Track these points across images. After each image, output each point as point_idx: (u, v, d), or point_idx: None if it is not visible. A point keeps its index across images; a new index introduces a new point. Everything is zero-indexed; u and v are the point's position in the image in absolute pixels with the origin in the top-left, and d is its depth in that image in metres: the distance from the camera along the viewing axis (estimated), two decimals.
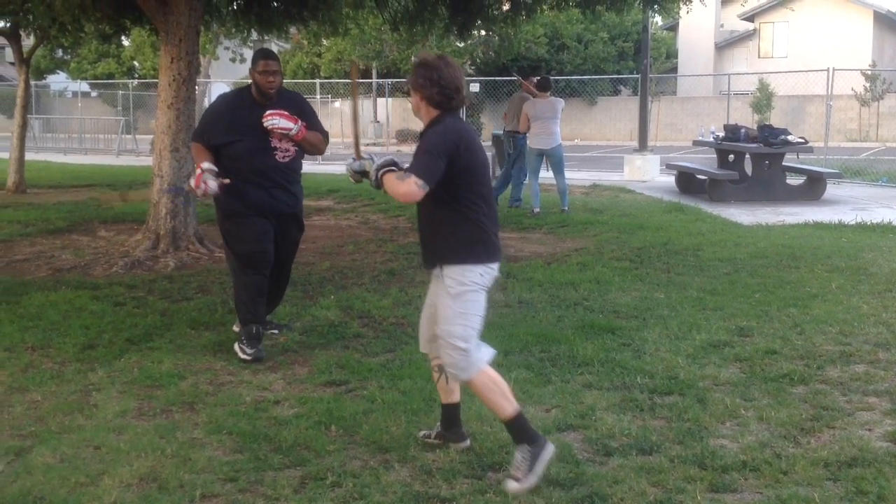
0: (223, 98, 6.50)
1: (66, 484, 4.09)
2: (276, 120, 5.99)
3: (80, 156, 28.56)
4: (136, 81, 37.35)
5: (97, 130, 31.93)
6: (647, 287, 8.10)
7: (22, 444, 4.57)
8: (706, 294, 7.76)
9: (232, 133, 6.05)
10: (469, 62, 38.76)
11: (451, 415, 4.51)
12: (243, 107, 6.15)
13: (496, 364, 5.72)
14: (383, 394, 5.21)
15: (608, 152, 29.27)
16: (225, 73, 30.12)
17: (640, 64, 20.30)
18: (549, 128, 12.99)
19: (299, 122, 6.06)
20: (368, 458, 4.38)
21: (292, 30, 17.37)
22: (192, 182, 6.07)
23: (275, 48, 38.39)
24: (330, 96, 35.44)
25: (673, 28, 45.87)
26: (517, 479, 4.02)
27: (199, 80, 18.38)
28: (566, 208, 13.09)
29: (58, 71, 42.97)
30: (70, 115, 36.16)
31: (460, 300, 4.12)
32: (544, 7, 13.68)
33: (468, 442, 4.50)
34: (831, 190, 16.09)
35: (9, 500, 3.92)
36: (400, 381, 5.42)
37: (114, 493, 3.98)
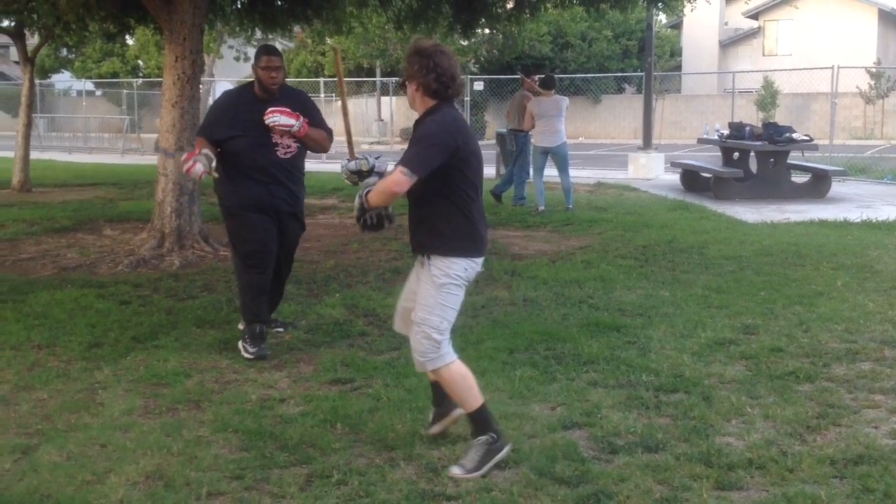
0: (227, 94, 6.53)
1: (72, 482, 4.09)
2: (276, 117, 5.99)
3: (85, 154, 28.61)
4: (140, 80, 37.37)
5: (102, 129, 32.01)
6: (653, 285, 8.09)
7: (28, 442, 4.58)
8: (711, 292, 7.75)
9: (234, 128, 6.06)
10: (473, 60, 38.76)
11: (441, 390, 4.50)
12: (246, 103, 6.16)
13: (501, 362, 5.77)
14: (388, 392, 5.22)
15: (612, 150, 29.22)
16: (229, 71, 30.18)
17: (645, 62, 20.27)
18: (553, 126, 12.98)
19: (301, 118, 6.06)
20: (374, 455, 4.38)
21: (296, 28, 17.41)
22: (185, 157, 6.12)
23: (279, 47, 38.38)
24: (333, 95, 35.44)
25: (677, 26, 45.78)
26: (463, 468, 4.10)
27: (204, 78, 18.38)
28: (571, 206, 13.08)
29: (62, 70, 42.98)
30: (75, 113, 36.27)
31: (443, 291, 4.16)
32: (548, 5, 13.67)
33: (460, 410, 4.47)
34: (836, 188, 16.06)
35: (16, 498, 3.93)
36: (405, 379, 5.42)
37: (120, 491, 3.99)
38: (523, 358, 5.90)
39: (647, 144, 19.96)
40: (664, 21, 42.59)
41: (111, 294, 7.84)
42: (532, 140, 13.45)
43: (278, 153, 6.11)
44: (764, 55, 44.74)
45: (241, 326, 6.36)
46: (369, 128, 39.28)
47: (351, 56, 38.00)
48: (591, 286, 8.03)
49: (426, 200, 4.20)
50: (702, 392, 5.21)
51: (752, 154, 15.60)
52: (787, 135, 14.99)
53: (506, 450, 4.19)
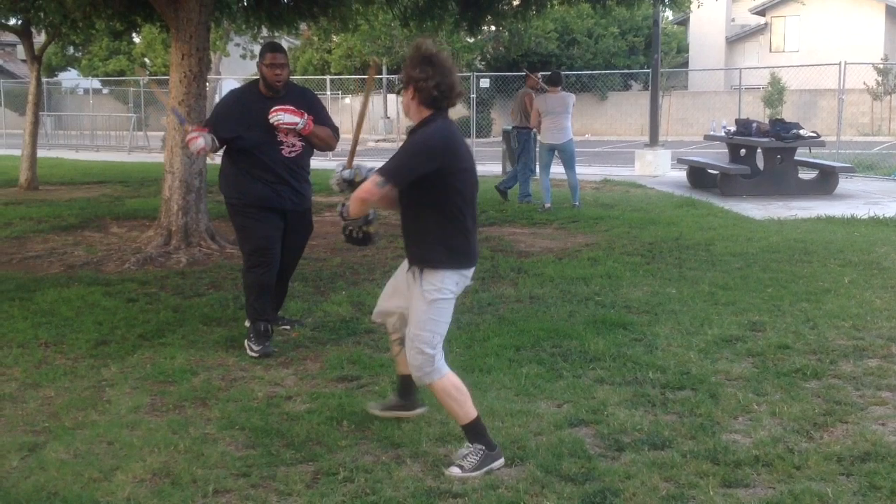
0: (232, 93, 6.53)
1: (79, 479, 4.10)
2: (280, 116, 6.00)
3: (92, 152, 28.65)
4: (147, 78, 37.39)
5: (109, 127, 32.01)
6: (659, 282, 8.08)
7: (36, 439, 4.59)
8: (718, 289, 7.74)
9: (239, 127, 6.07)
10: (479, 58, 38.75)
11: (407, 384, 4.59)
12: (251, 101, 6.16)
13: (507, 360, 5.77)
14: (395, 389, 5.21)
15: (619, 147, 29.22)
16: (235, 69, 30.20)
17: (651, 58, 20.24)
18: (560, 123, 12.97)
19: (305, 115, 6.06)
20: (380, 453, 4.39)
21: (302, 26, 17.38)
22: (194, 128, 6.13)
23: (285, 45, 38.32)
24: (340, 92, 35.47)
25: (684, 22, 45.72)
26: (462, 468, 4.10)
27: (210, 76, 18.39)
28: (577, 203, 13.07)
29: (69, 68, 43.05)
30: (81, 111, 36.30)
31: (434, 306, 4.14)
32: (554, 2, 13.66)
33: (425, 408, 4.65)
34: (843, 184, 16.03)
35: (23, 496, 3.94)
36: None
37: (127, 489, 4.00)
38: (529, 355, 5.90)
39: (653, 141, 19.95)
40: (671, 17, 42.51)
41: (118, 292, 7.86)
42: (538, 137, 13.44)
43: (283, 152, 6.11)
44: (771, 51, 44.63)
45: (247, 324, 6.37)
46: (375, 125, 39.29)
47: (356, 53, 38.03)
48: (598, 283, 8.03)
49: (417, 211, 4.18)
50: (708, 389, 5.21)
51: (759, 151, 15.57)
52: (794, 131, 14.95)
53: (501, 461, 4.19)
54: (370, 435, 4.60)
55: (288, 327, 6.63)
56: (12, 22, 17.27)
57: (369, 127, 38.26)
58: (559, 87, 13.21)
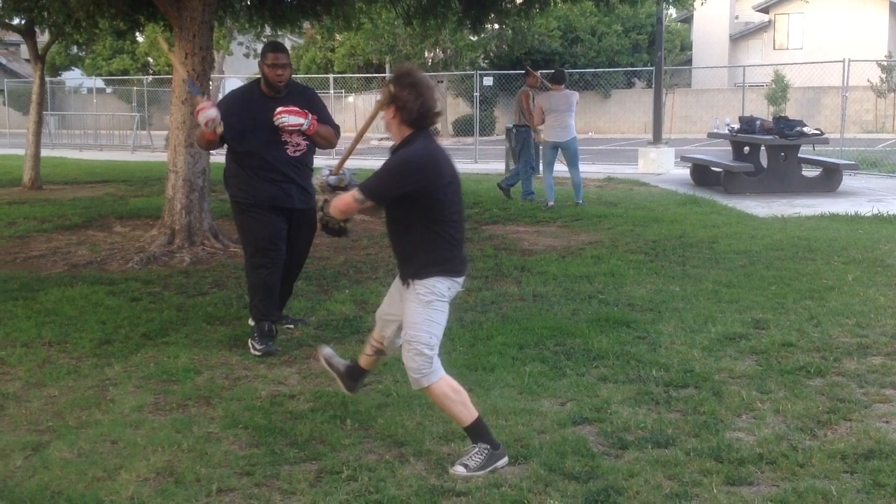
0: (234, 93, 6.51)
1: (83, 478, 4.11)
2: (285, 118, 6.00)
3: (96, 152, 28.69)
4: (150, 77, 37.43)
5: (112, 126, 32.05)
6: (663, 280, 8.08)
7: (39, 439, 4.60)
8: (722, 286, 7.73)
9: (243, 127, 6.06)
10: (483, 56, 38.75)
11: (361, 373, 4.79)
12: (253, 101, 6.15)
13: (511, 358, 5.76)
14: (398, 387, 5.21)
15: (622, 145, 29.20)
16: (239, 68, 30.20)
17: (655, 56, 20.23)
18: (563, 120, 12.96)
19: (309, 116, 6.07)
20: (384, 451, 4.39)
21: (305, 25, 17.39)
22: (209, 100, 6.06)
23: (288, 43, 38.25)
24: (343, 91, 35.49)
25: (687, 20, 45.67)
26: (467, 467, 4.11)
27: (213, 75, 18.40)
28: (581, 202, 13.06)
29: (73, 67, 43.20)
30: (85, 111, 36.32)
31: (430, 308, 4.18)
32: (558, 0, 13.65)
33: (355, 394, 4.87)
34: (847, 181, 16.01)
35: (27, 495, 3.94)
36: None
37: (131, 488, 4.00)
38: (533, 353, 5.90)
39: (657, 139, 19.93)
40: (674, 15, 42.51)
41: (122, 291, 7.87)
42: (542, 135, 13.44)
43: (288, 151, 6.11)
44: (774, 49, 44.55)
45: (251, 322, 6.37)
46: (378, 124, 39.07)
47: (360, 52, 38.03)
48: (601, 281, 8.02)
49: (405, 226, 4.24)
50: (712, 387, 5.20)
51: (763, 148, 15.55)
52: (798, 129, 14.94)
53: (505, 460, 4.19)
54: (373, 433, 4.60)
55: (292, 326, 6.64)
56: (16, 21, 17.28)
57: (373, 126, 38.16)
58: (563, 85, 13.20)
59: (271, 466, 4.22)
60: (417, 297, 4.18)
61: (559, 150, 13.18)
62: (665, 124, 22.23)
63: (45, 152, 18.83)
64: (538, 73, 14.46)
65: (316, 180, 4.62)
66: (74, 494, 3.94)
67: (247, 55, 27.24)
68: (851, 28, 41.50)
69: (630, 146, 27.14)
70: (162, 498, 3.92)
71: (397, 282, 4.42)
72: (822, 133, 15.53)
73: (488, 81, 28.87)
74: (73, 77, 45.13)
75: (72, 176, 19.34)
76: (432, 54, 38.09)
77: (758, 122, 15.64)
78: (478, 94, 25.11)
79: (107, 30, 16.25)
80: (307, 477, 4.11)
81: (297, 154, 6.16)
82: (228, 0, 12.33)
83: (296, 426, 4.68)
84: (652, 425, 4.63)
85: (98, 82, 41.09)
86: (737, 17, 46.79)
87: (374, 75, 34.99)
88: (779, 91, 35.41)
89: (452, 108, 40.06)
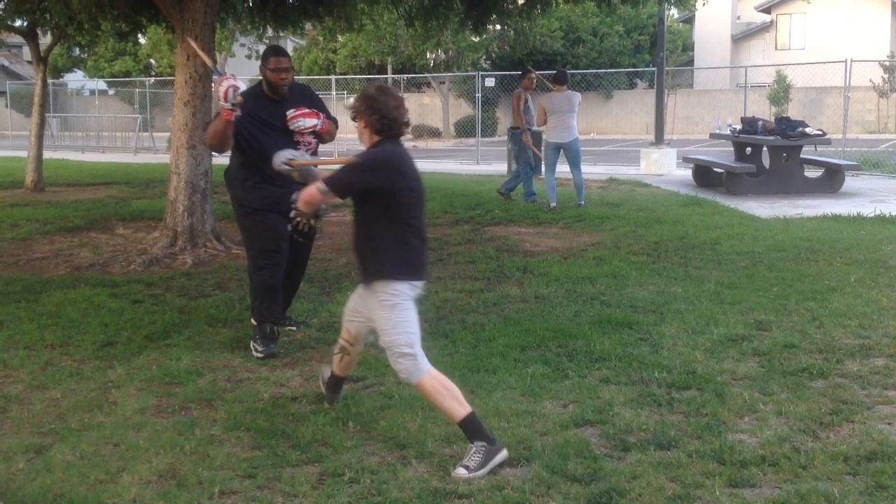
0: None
1: (85, 481, 4.11)
2: (300, 121, 6.02)
3: (98, 154, 28.72)
4: (152, 79, 37.48)
5: (114, 128, 32.09)
6: (665, 281, 8.07)
7: (42, 441, 4.60)
8: (724, 288, 7.73)
9: (257, 131, 6.04)
10: (484, 56, 38.75)
11: (338, 384, 5.03)
12: (261, 105, 6.12)
13: (513, 360, 5.76)
14: (400, 389, 5.21)
15: (624, 146, 29.20)
16: (241, 69, 30.20)
17: (657, 57, 20.22)
18: (566, 121, 12.96)
19: (321, 115, 6.11)
20: (386, 454, 4.39)
21: (307, 26, 17.41)
22: (236, 81, 5.76)
23: (290, 45, 38.32)
24: (346, 92, 35.45)
25: (689, 20, 45.68)
26: (468, 469, 4.13)
27: (215, 77, 18.42)
28: (583, 203, 13.06)
29: (75, 69, 43.18)
30: (87, 113, 36.39)
31: (396, 310, 4.35)
32: (559, 1, 13.65)
33: (337, 403, 5.01)
34: (849, 182, 16.00)
35: (29, 498, 3.95)
36: None
37: (133, 490, 4.00)
38: (535, 355, 5.90)
39: (659, 140, 19.93)
40: (676, 16, 42.48)
41: (124, 293, 7.87)
42: (544, 136, 13.45)
43: (301, 151, 6.10)
44: (776, 49, 44.57)
45: (253, 321, 6.36)
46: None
47: (362, 53, 38.05)
48: (603, 283, 8.02)
49: (366, 225, 4.46)
50: (714, 389, 5.20)
51: (765, 149, 15.54)
52: (800, 129, 14.93)
53: (503, 453, 4.21)
54: (376, 436, 4.60)
55: (294, 328, 6.64)
56: (18, 24, 17.30)
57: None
58: (565, 86, 13.20)
59: (273, 469, 4.22)
60: (382, 303, 4.37)
61: (561, 151, 13.18)
62: (667, 125, 22.25)
63: (47, 154, 18.86)
64: (534, 73, 14.44)
65: (277, 157, 5.03)
66: (76, 497, 3.94)
67: (249, 56, 27.25)
68: (853, 28, 41.51)
69: (632, 147, 27.14)
70: (164, 500, 3.92)
71: (357, 294, 4.65)
72: (825, 134, 15.53)
73: (490, 82, 28.87)
74: (75, 79, 45.14)
75: (74, 178, 19.35)
76: (434, 55, 38.13)
77: (760, 123, 15.63)
78: (479, 95, 25.11)
79: (109, 32, 16.28)
80: (309, 479, 4.11)
81: (309, 152, 6.16)
82: (230, 1, 12.34)
83: (298, 428, 4.68)
84: (654, 427, 4.63)
85: (100, 84, 41.11)
86: (738, 18, 46.80)
87: (377, 76, 35.03)
88: (781, 91, 35.41)
89: (454, 109, 40.07)
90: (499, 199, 13.93)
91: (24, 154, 18.97)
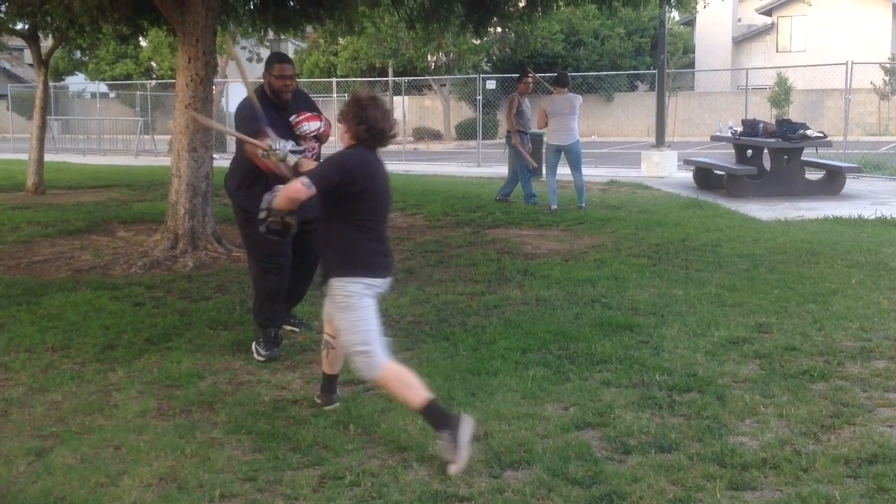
0: (251, 105, 6.25)
1: (86, 484, 4.11)
2: (305, 126, 6.02)
3: (99, 156, 28.71)
4: (153, 82, 37.48)
5: (115, 131, 32.10)
6: (666, 284, 8.07)
7: (42, 444, 4.60)
8: (725, 290, 7.72)
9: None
10: (485, 59, 38.76)
11: (330, 383, 5.06)
12: (268, 111, 6.07)
13: (514, 362, 5.76)
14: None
15: (625, 148, 29.18)
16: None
17: (657, 59, 20.21)
18: (567, 124, 12.97)
19: (323, 117, 6.12)
20: (387, 457, 4.39)
21: (308, 29, 17.42)
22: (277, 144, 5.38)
23: (291, 47, 38.29)
24: (346, 95, 35.44)
25: (690, 23, 45.71)
26: (453, 462, 4.17)
27: (217, 80, 18.42)
28: (583, 205, 13.06)
29: (76, 72, 43.16)
30: (88, 115, 36.39)
31: (351, 310, 4.46)
32: (560, 3, 13.65)
33: (338, 404, 5.05)
34: (850, 184, 15.99)
35: (30, 501, 3.95)
36: None
37: (134, 493, 4.00)
38: (536, 358, 5.90)
39: (659, 142, 19.92)
40: (677, 18, 42.51)
41: (125, 296, 7.87)
42: (545, 138, 13.46)
43: (307, 156, 6.10)
44: (777, 51, 44.58)
45: (257, 326, 6.35)
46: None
47: (363, 56, 38.06)
48: (604, 285, 8.02)
49: (330, 223, 4.57)
50: (715, 391, 5.20)
51: (766, 151, 15.54)
52: (801, 131, 14.92)
53: (468, 422, 4.24)
54: (376, 439, 4.60)
55: (297, 329, 6.64)
56: (19, 27, 17.31)
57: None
58: (566, 89, 13.20)
59: (274, 472, 4.22)
60: (336, 304, 4.51)
61: (562, 153, 13.19)
62: (668, 127, 22.26)
63: (48, 157, 18.86)
64: (531, 77, 14.44)
65: (269, 142, 5.12)
66: (77, 500, 3.95)
67: (250, 59, 27.21)
68: (854, 30, 41.51)
69: (633, 149, 27.13)
70: (165, 503, 3.92)
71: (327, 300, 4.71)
72: (826, 136, 15.52)
73: (491, 85, 28.89)
74: (76, 82, 45.13)
75: (75, 180, 19.35)
76: (435, 58, 38.13)
77: (761, 125, 15.62)
78: (480, 97, 25.11)
79: (110, 34, 16.27)
80: (310, 482, 4.11)
81: (313, 157, 6.16)
82: (231, 4, 12.35)
83: (299, 431, 4.68)
84: (655, 430, 4.63)
85: (101, 87, 41.09)
86: (739, 20, 46.82)
87: (378, 79, 35.04)
88: (782, 94, 35.42)
89: (455, 111, 40.09)
90: (499, 203, 13.93)
91: (25, 157, 18.98)
